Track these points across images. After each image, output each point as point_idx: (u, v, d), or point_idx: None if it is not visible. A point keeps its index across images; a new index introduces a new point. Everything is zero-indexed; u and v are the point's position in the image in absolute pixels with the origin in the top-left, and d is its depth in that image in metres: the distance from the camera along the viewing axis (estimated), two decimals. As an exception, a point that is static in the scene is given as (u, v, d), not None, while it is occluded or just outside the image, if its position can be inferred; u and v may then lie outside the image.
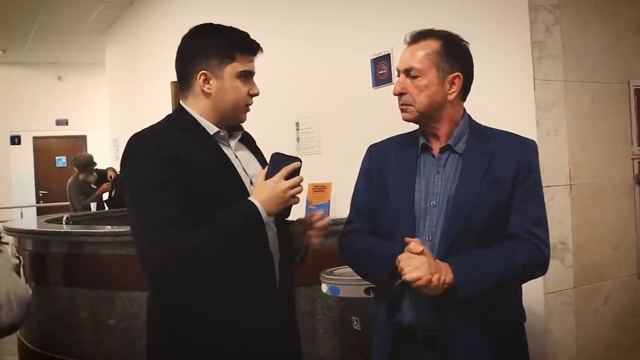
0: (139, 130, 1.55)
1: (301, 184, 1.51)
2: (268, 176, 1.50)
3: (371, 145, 1.79)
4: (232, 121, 1.62)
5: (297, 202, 1.53)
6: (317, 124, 3.96)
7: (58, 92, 10.90)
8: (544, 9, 2.52)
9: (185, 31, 1.63)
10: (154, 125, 1.59)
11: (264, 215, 1.46)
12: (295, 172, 1.50)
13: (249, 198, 1.49)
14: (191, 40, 1.59)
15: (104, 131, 9.78)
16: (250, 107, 1.61)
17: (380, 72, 3.35)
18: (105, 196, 6.53)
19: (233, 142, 1.63)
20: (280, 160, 1.51)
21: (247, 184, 1.56)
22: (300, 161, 1.51)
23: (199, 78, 1.55)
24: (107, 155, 8.97)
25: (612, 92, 2.77)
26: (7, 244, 2.60)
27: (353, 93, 3.62)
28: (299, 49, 4.14)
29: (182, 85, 1.61)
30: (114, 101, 9.14)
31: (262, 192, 1.48)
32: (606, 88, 2.73)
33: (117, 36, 8.66)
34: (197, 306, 1.49)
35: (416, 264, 1.47)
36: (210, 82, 1.55)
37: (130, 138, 1.53)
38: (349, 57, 3.63)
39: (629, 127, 2.82)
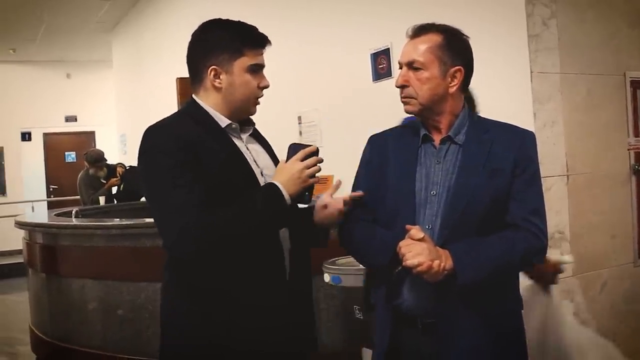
0: (145, 126, 1.59)
1: (319, 165, 1.57)
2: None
3: (372, 136, 1.81)
4: (242, 114, 1.65)
5: (316, 182, 1.58)
6: (318, 117, 4.01)
7: (67, 90, 10.93)
8: (541, 3, 2.54)
9: (190, 28, 1.66)
10: (166, 118, 1.63)
11: (285, 194, 1.52)
12: (313, 155, 1.57)
13: (270, 181, 1.55)
14: (201, 36, 1.62)
15: (112, 127, 9.83)
16: (259, 99, 1.65)
17: (380, 66, 3.39)
18: (114, 190, 6.61)
19: (244, 136, 1.67)
20: (297, 148, 1.59)
21: (258, 175, 1.60)
22: (317, 147, 1.58)
23: (210, 73, 1.58)
24: (114, 150, 9.02)
25: (608, 84, 2.79)
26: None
27: (354, 87, 3.65)
28: (301, 44, 4.17)
29: (194, 80, 1.64)
30: (121, 98, 9.19)
31: (281, 174, 1.55)
32: (602, 80, 2.75)
33: (123, 34, 8.71)
34: (210, 297, 1.53)
35: (417, 250, 1.48)
36: (221, 77, 1.58)
37: (146, 131, 1.56)
38: (350, 52, 3.66)
39: (625, 118, 2.84)
